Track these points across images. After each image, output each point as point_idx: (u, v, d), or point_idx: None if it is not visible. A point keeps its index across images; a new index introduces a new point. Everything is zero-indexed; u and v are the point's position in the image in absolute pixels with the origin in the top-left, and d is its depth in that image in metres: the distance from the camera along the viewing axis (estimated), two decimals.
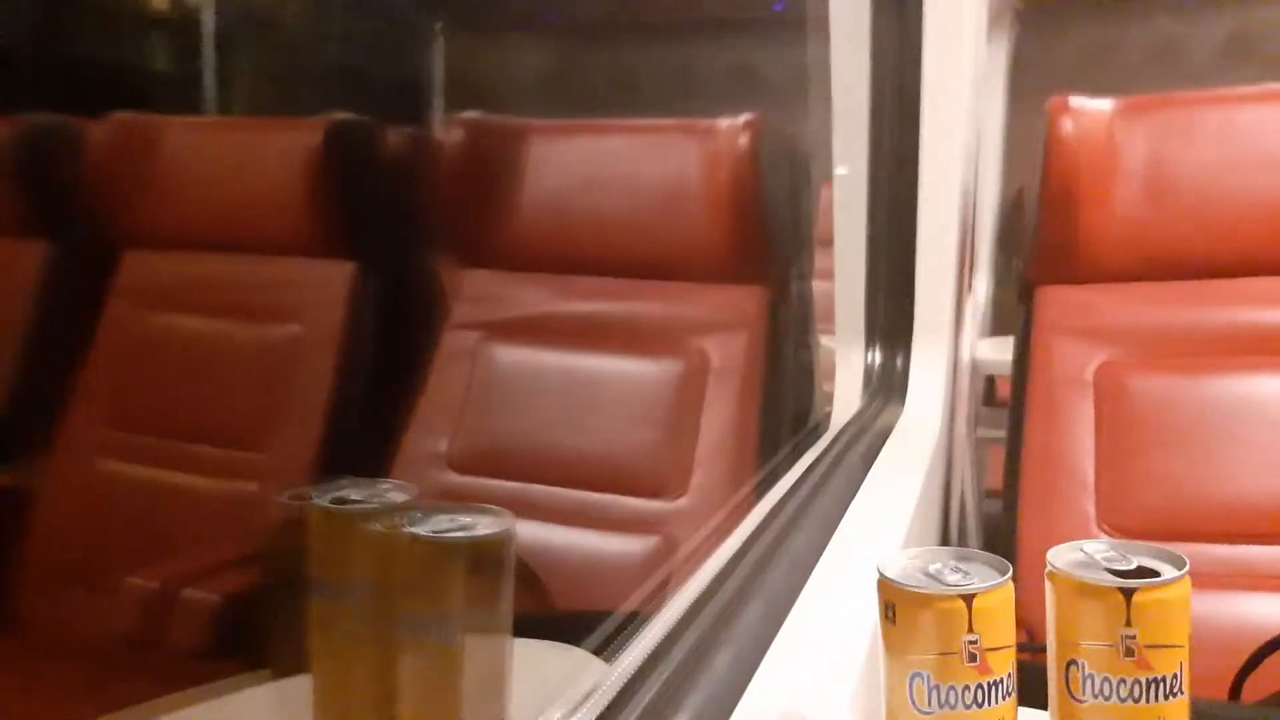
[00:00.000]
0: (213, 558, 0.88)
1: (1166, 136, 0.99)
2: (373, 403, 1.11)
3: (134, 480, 1.12)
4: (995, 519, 1.01)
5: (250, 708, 0.46)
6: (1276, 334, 0.94)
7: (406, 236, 1.22)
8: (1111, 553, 0.38)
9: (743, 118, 1.06)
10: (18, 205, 1.25)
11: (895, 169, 0.98)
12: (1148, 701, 0.36)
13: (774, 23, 2.85)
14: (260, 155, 1.21)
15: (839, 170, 1.01)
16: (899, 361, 0.98)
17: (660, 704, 0.39)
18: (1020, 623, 0.37)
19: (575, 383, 1.06)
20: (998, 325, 1.93)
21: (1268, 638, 0.63)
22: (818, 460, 0.76)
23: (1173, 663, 0.36)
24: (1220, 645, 0.59)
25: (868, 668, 0.43)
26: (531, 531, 0.97)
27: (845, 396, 1.00)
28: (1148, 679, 0.36)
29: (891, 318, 0.99)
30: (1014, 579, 0.36)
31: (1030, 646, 0.41)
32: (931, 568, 0.37)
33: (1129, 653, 0.36)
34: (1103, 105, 1.00)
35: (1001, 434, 1.02)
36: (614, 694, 0.39)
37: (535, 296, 1.11)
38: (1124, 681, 0.36)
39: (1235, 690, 0.63)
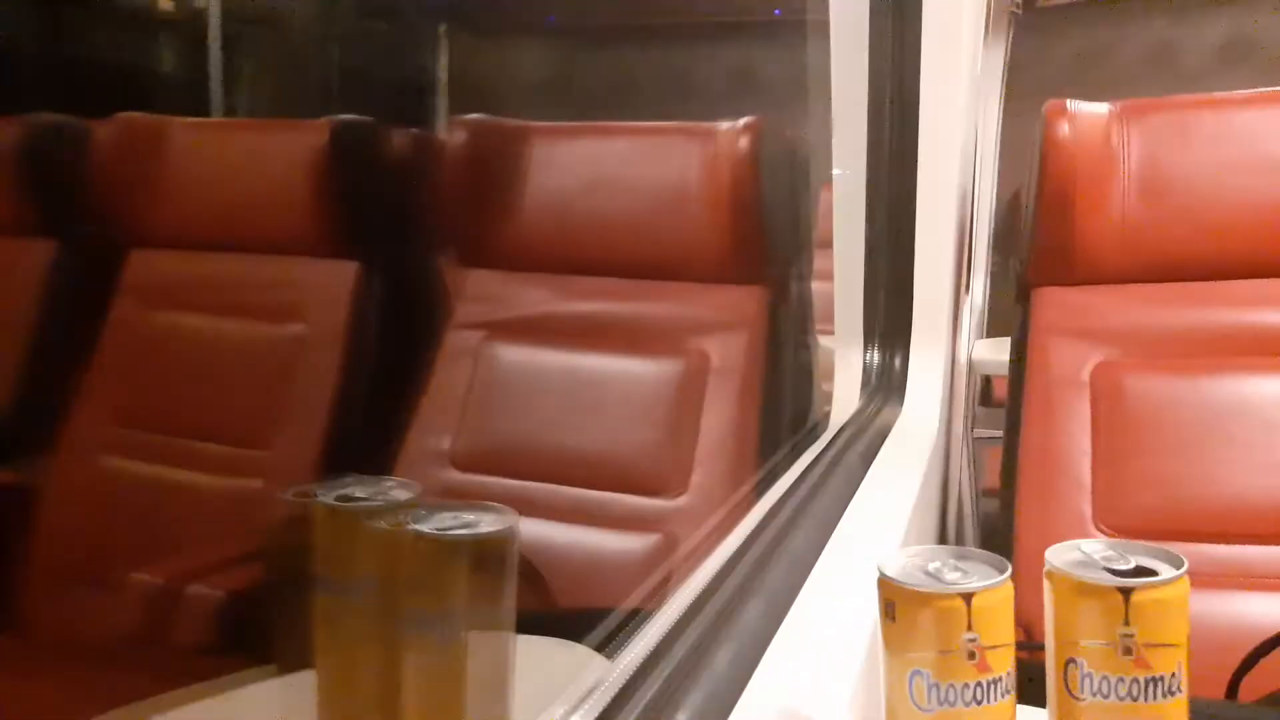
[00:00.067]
0: (217, 554, 0.88)
1: (1162, 139, 0.99)
2: (376, 401, 1.11)
3: (139, 477, 1.12)
4: (992, 518, 1.01)
5: (255, 704, 0.46)
6: (1272, 335, 0.95)
7: (410, 236, 1.23)
8: (1110, 552, 0.38)
9: (742, 120, 1.06)
10: (24, 204, 1.25)
11: (894, 171, 0.98)
12: (1146, 700, 0.36)
13: (774, 26, 2.85)
14: (265, 156, 1.21)
15: (838, 172, 1.02)
16: (897, 362, 0.99)
17: (661, 701, 0.39)
18: (1017, 621, 0.37)
19: (577, 382, 1.06)
20: (995, 326, 1.94)
21: (1265, 637, 0.64)
22: (817, 459, 0.77)
23: (1171, 662, 0.36)
24: (1218, 644, 0.60)
25: (867, 665, 0.43)
26: (534, 529, 0.97)
27: (844, 396, 1.00)
28: (1146, 678, 0.36)
29: (890, 318, 1.00)
30: (1011, 578, 0.36)
31: (1028, 645, 0.41)
32: (931, 566, 0.37)
33: (1127, 651, 0.36)
34: (1099, 108, 1.00)
35: (999, 434, 1.02)
36: (616, 690, 0.39)
37: (537, 296, 1.12)
38: (1122, 680, 0.36)
39: (1233, 689, 0.63)
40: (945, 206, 0.95)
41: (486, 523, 0.37)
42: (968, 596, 0.35)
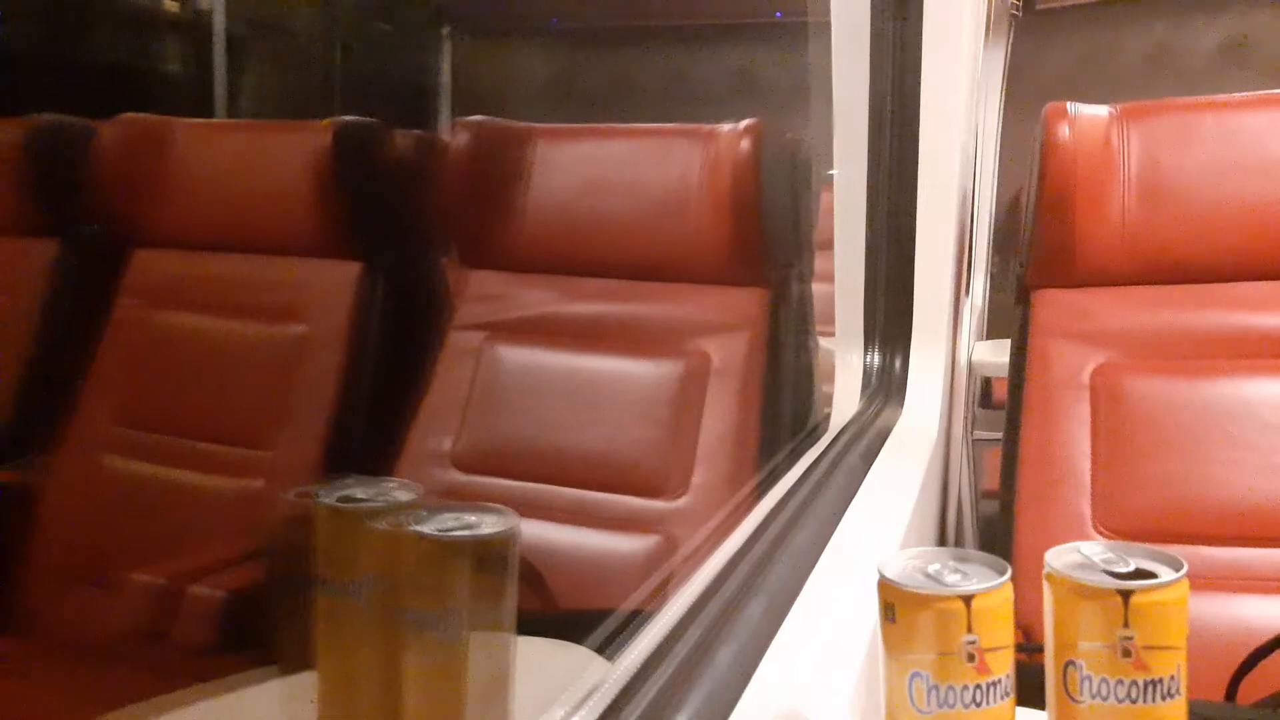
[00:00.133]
0: (219, 555, 0.88)
1: (1162, 142, 0.99)
2: (378, 402, 1.12)
3: (141, 477, 1.12)
4: (992, 520, 1.01)
5: (256, 703, 0.47)
6: (1271, 337, 0.95)
7: (412, 237, 1.23)
8: (1109, 554, 0.39)
9: (743, 123, 1.07)
10: (28, 204, 1.26)
11: (894, 173, 0.98)
12: (1145, 702, 0.36)
13: (775, 28, 2.86)
14: (268, 156, 1.22)
15: (838, 173, 1.02)
16: (898, 363, 0.99)
17: (662, 702, 0.39)
18: (1017, 623, 0.37)
19: (578, 383, 1.06)
20: (995, 328, 1.94)
21: (1264, 639, 0.64)
22: (817, 461, 0.77)
23: (1170, 664, 0.36)
24: (1217, 647, 0.60)
25: (867, 667, 0.43)
26: (535, 530, 0.97)
27: (844, 398, 1.00)
28: (1145, 680, 0.36)
29: (890, 320, 1.00)
30: (1010, 580, 0.37)
31: (1027, 647, 0.41)
32: (931, 568, 0.37)
33: (1126, 654, 0.36)
34: (1099, 111, 1.01)
35: (998, 435, 1.02)
36: (616, 691, 0.39)
37: (539, 297, 1.12)
38: (1121, 682, 0.36)
39: (1232, 692, 0.63)
40: (945, 208, 0.95)
41: (488, 524, 0.37)
42: (967, 598, 0.35)
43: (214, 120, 2.22)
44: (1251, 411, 0.91)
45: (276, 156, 1.21)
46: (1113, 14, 2.73)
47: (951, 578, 0.37)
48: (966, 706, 0.35)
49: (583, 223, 1.12)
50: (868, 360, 1.01)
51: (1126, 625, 0.36)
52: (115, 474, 1.13)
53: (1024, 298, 1.05)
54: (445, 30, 3.30)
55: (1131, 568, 0.38)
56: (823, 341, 1.14)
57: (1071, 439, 0.93)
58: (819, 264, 1.18)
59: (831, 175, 1.03)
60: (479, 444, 1.06)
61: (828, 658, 0.45)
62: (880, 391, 0.98)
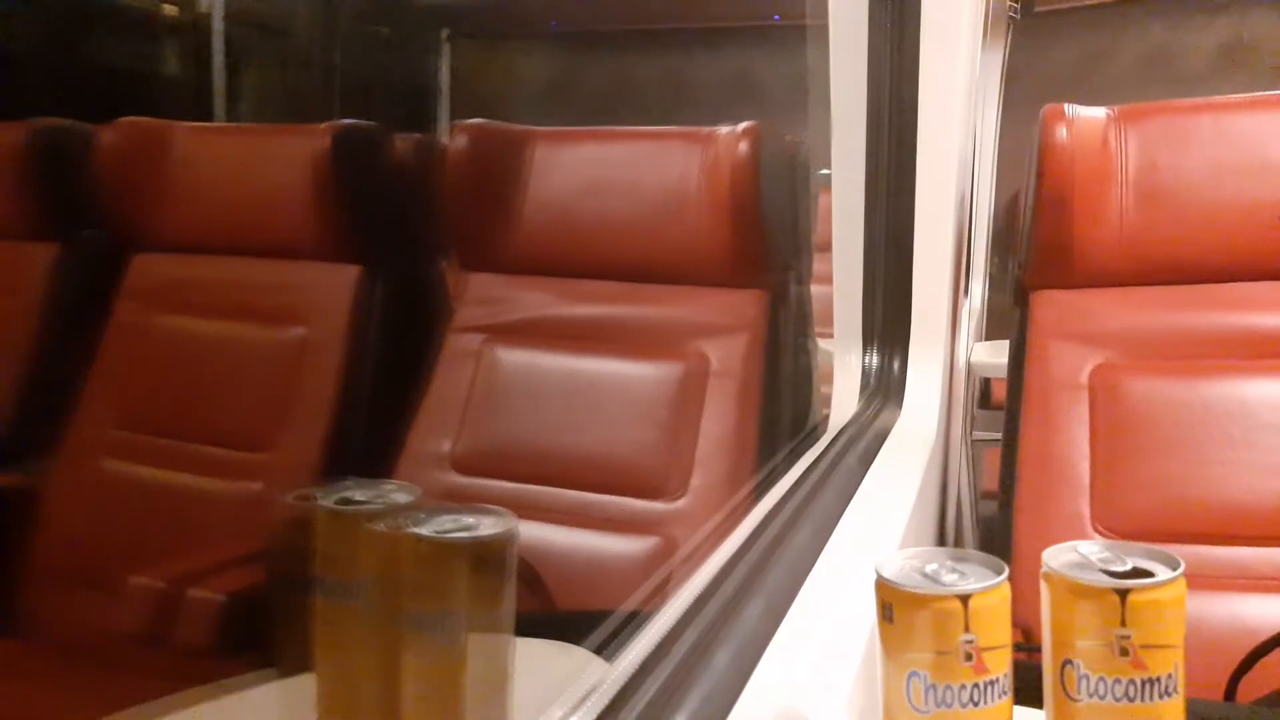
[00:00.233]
0: (218, 557, 0.88)
1: (1160, 143, 1.00)
2: (377, 404, 1.12)
3: (141, 480, 1.12)
4: (991, 520, 1.01)
5: (256, 705, 0.47)
6: (1269, 337, 0.95)
7: (411, 240, 1.23)
8: (1106, 554, 0.39)
9: (742, 125, 1.07)
10: (29, 208, 1.26)
11: (892, 175, 0.98)
12: (1143, 701, 0.36)
13: (773, 31, 2.86)
14: (268, 160, 1.22)
15: (837, 175, 1.02)
16: (896, 365, 0.99)
17: (660, 702, 0.39)
18: (1015, 623, 0.37)
19: (577, 385, 1.06)
20: (994, 329, 1.94)
21: (1263, 638, 0.64)
22: (816, 462, 0.77)
23: (1167, 663, 0.36)
24: (1215, 646, 0.60)
25: (865, 667, 0.43)
26: (534, 532, 0.97)
27: (843, 399, 1.00)
28: (1143, 679, 0.36)
29: (889, 321, 1.00)
30: (1009, 579, 0.37)
31: (1026, 646, 0.41)
32: (928, 568, 0.37)
33: (1124, 653, 0.36)
34: (1096, 113, 1.01)
35: (997, 436, 1.03)
36: (614, 692, 0.39)
37: (538, 299, 1.12)
38: (1119, 681, 0.36)
39: (1231, 690, 0.64)
40: (944, 210, 0.96)
41: (486, 525, 0.37)
42: (964, 598, 0.35)
43: (213, 124, 2.22)
44: (1249, 411, 0.91)
45: (276, 160, 1.21)
46: (1111, 16, 2.74)
47: (949, 577, 0.37)
48: (964, 706, 0.35)
49: (581, 225, 1.12)
50: (866, 361, 1.01)
51: (1124, 624, 0.36)
52: (115, 477, 1.13)
53: (1022, 299, 1.05)
54: (444, 33, 3.31)
55: (1129, 567, 0.38)
56: (821, 343, 1.14)
57: (1070, 439, 0.93)
58: (818, 266, 1.18)
59: (830, 177, 1.03)
60: (478, 446, 1.06)
61: (826, 658, 0.45)
62: (879, 392, 0.98)
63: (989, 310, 2.05)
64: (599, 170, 1.13)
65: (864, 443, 0.85)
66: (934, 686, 0.35)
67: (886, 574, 0.37)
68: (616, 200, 1.11)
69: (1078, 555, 0.39)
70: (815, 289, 1.17)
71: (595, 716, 0.38)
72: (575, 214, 1.12)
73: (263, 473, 1.09)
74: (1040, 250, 1.02)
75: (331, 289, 1.15)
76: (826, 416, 1.00)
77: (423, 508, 0.39)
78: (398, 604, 0.37)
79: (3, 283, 1.29)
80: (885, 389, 0.98)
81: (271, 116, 2.89)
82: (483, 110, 1.20)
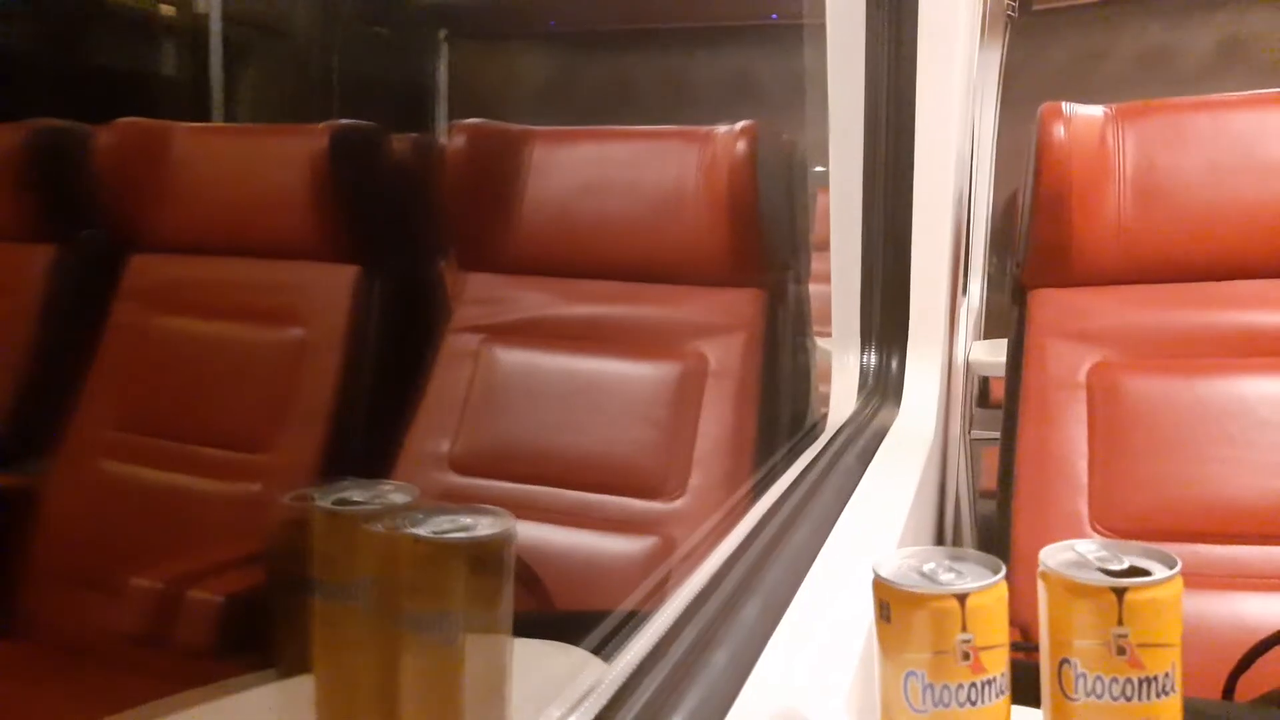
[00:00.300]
0: (218, 558, 0.88)
1: (1157, 141, 1.00)
2: (376, 405, 1.12)
3: (139, 481, 1.12)
4: (989, 519, 1.01)
5: (254, 707, 0.47)
6: (1267, 335, 0.95)
7: (410, 240, 1.23)
8: (1104, 552, 0.39)
9: (740, 124, 1.07)
10: (27, 209, 1.26)
11: (890, 174, 0.98)
12: (1140, 700, 0.36)
13: (771, 31, 2.86)
14: (266, 160, 1.22)
15: (835, 175, 1.02)
16: (894, 364, 0.99)
17: (658, 702, 0.39)
18: (1013, 622, 0.37)
19: (575, 385, 1.06)
20: (992, 328, 1.94)
21: (1260, 637, 0.64)
22: (814, 461, 0.77)
23: (1165, 662, 0.36)
24: (1213, 645, 0.60)
25: (863, 666, 0.43)
26: (532, 532, 0.97)
27: (841, 398, 1.00)
28: (1140, 678, 0.36)
29: (887, 320, 1.00)
30: (1007, 578, 0.37)
31: (1023, 645, 0.41)
32: (926, 567, 0.37)
33: (1121, 651, 0.36)
34: (1094, 111, 1.01)
35: (995, 435, 1.03)
36: (612, 692, 0.39)
37: (536, 299, 1.12)
38: (1116, 680, 0.36)
39: (1229, 689, 0.64)
40: (941, 209, 0.96)
41: (484, 526, 0.37)
42: (962, 597, 0.35)
43: (211, 124, 2.22)
44: (1248, 409, 0.91)
45: (274, 160, 1.21)
46: (1108, 14, 2.74)
47: (946, 576, 0.37)
48: (962, 705, 0.35)
49: (580, 225, 1.12)
50: (864, 360, 1.01)
51: (1121, 623, 0.36)
52: (114, 478, 1.13)
53: (1020, 297, 1.05)
54: (442, 33, 3.30)
55: (1126, 565, 0.38)
56: (820, 342, 1.14)
57: (1068, 438, 0.93)
58: (816, 265, 1.18)
59: (828, 176, 1.04)
60: (476, 446, 1.06)
61: (824, 657, 0.46)
62: (877, 392, 0.98)
63: (987, 309, 2.05)
64: (597, 170, 1.13)
65: (862, 442, 0.85)
66: (931, 686, 0.35)
67: (884, 573, 0.37)
68: (615, 200, 1.11)
69: (1075, 554, 0.39)
70: (813, 288, 1.17)
71: (593, 716, 0.38)
72: (573, 214, 1.12)
73: (261, 474, 1.09)
74: (1038, 249, 1.02)
75: (330, 289, 1.15)
76: (825, 415, 1.00)
77: (421, 508, 0.39)
78: (396, 604, 0.37)
79: (2, 283, 1.29)
80: (883, 388, 0.98)
81: (269, 117, 2.89)
82: (481, 110, 1.20)
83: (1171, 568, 0.37)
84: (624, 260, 1.11)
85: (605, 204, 1.11)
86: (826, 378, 1.04)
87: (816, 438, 0.87)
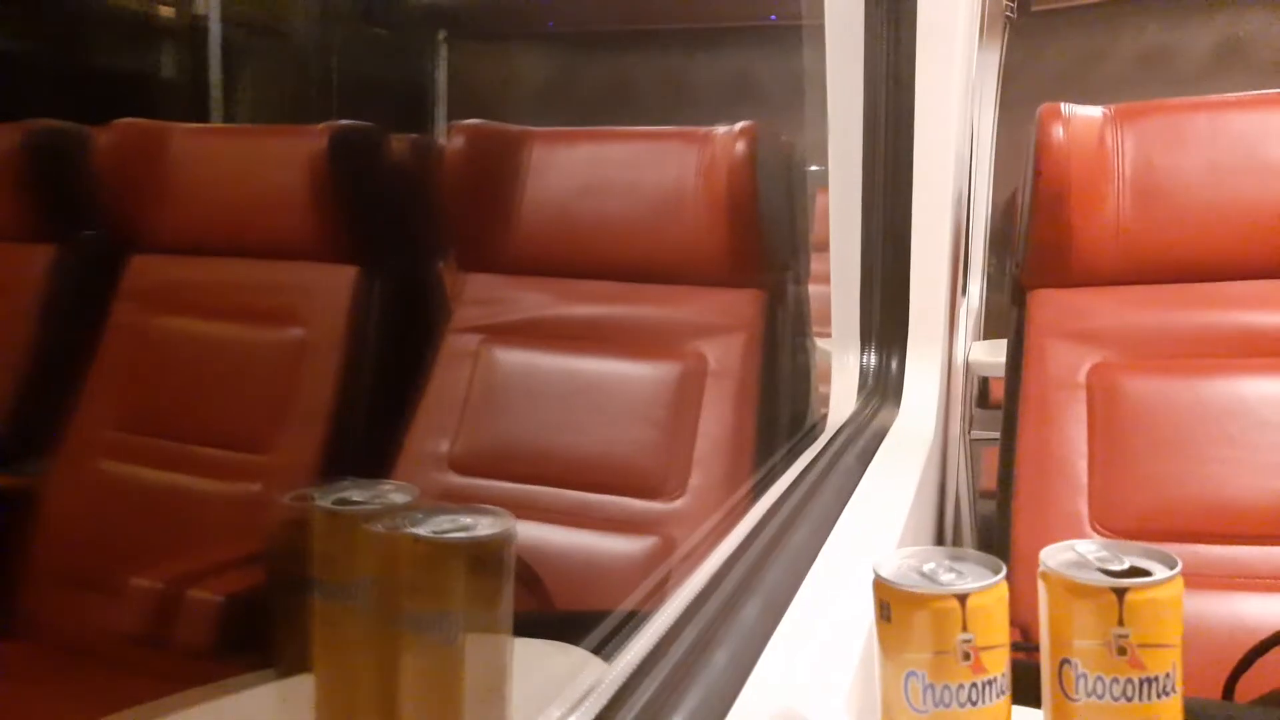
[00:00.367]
0: (217, 558, 0.88)
1: (1156, 142, 1.00)
2: (375, 405, 1.12)
3: (139, 482, 1.12)
4: (989, 519, 1.01)
5: (254, 706, 0.47)
6: (1266, 335, 0.95)
7: (409, 241, 1.23)
8: (1104, 553, 0.39)
9: (739, 125, 1.07)
10: (27, 209, 1.26)
11: (889, 175, 0.98)
12: (1141, 700, 0.36)
13: (770, 31, 2.87)
14: (265, 161, 1.22)
15: (834, 175, 1.02)
16: (894, 364, 0.99)
17: (658, 702, 0.39)
18: (1014, 622, 0.37)
19: (575, 385, 1.06)
20: (991, 328, 1.95)
21: (1261, 638, 0.64)
22: (814, 461, 0.77)
23: (1165, 662, 0.36)
24: (1214, 645, 0.60)
25: (863, 666, 0.43)
26: (532, 532, 0.97)
27: (841, 398, 1.00)
28: (1140, 678, 0.36)
29: (886, 321, 1.00)
30: (1008, 579, 0.37)
31: (1024, 645, 0.41)
32: (926, 567, 0.37)
33: (1122, 652, 0.36)
34: (1093, 112, 1.01)
35: (995, 435, 1.03)
36: (613, 692, 0.39)
37: (536, 300, 1.12)
38: (1117, 680, 0.36)
39: (1229, 689, 0.64)
40: (941, 209, 0.96)
41: (484, 526, 0.37)
42: (962, 597, 0.35)
43: (210, 125, 2.22)
44: (1248, 409, 0.91)
45: (273, 161, 1.21)
46: (1107, 15, 2.74)
47: (946, 577, 0.37)
48: (962, 705, 0.35)
49: (579, 225, 1.12)
50: (864, 361, 1.01)
51: (1121, 623, 0.36)
52: (114, 478, 1.13)
53: (1020, 298, 1.05)
54: (442, 34, 3.31)
55: (1126, 565, 0.38)
56: (819, 342, 1.14)
57: (1068, 438, 0.93)
58: (815, 265, 1.18)
59: (827, 176, 1.04)
60: (476, 446, 1.06)
61: (824, 657, 0.46)
62: (877, 392, 0.98)
63: (987, 309, 2.05)
64: (596, 170, 1.13)
65: (862, 442, 0.85)
66: (932, 686, 0.35)
67: (884, 573, 0.37)
68: (614, 200, 1.11)
69: (1075, 554, 0.39)
70: (813, 288, 1.17)
71: (594, 716, 0.38)
72: (573, 214, 1.12)
73: (261, 474, 1.09)
74: (1037, 249, 1.02)
75: (330, 290, 1.15)
76: (824, 416, 1.00)
77: (420, 508, 0.39)
78: (396, 604, 0.37)
79: (2, 283, 1.29)
80: (883, 388, 0.98)
81: (269, 117, 2.89)
82: (480, 111, 1.20)
83: (1172, 568, 0.37)
84: (624, 261, 1.11)
85: (605, 204, 1.11)
86: (826, 378, 1.05)
87: (816, 438, 0.87)
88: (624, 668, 0.41)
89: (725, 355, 1.03)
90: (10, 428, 1.21)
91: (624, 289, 1.10)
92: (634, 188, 1.10)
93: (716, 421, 1.00)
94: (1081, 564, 0.38)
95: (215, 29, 2.36)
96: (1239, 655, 0.64)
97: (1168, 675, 0.36)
